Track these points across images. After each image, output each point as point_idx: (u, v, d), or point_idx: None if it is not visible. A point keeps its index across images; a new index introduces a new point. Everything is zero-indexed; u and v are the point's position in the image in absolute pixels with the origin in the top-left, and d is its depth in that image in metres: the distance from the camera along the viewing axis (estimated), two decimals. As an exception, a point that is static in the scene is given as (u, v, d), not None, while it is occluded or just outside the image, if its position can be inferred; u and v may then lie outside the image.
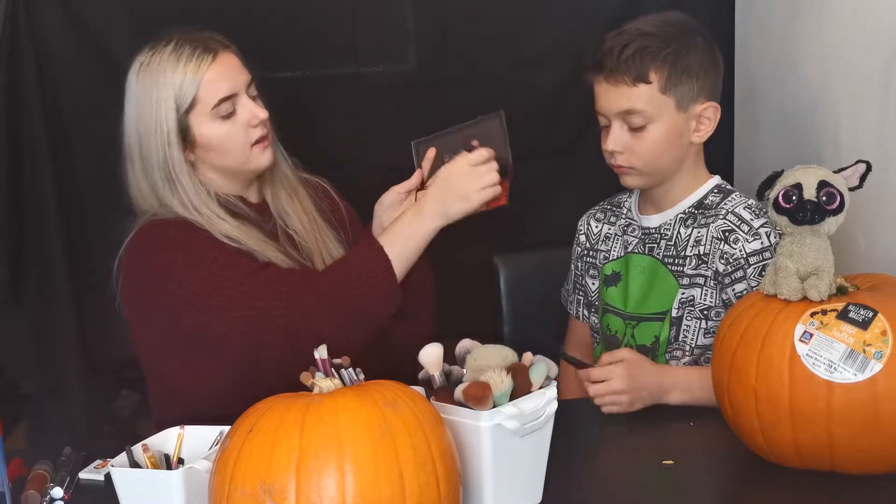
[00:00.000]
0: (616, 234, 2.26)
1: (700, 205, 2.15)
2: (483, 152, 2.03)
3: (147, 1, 2.62)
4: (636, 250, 2.20)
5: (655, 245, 2.17)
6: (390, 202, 2.14)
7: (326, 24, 2.68)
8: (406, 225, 2.02)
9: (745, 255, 2.05)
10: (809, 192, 1.76)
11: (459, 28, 2.72)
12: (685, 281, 2.12)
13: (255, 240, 2.06)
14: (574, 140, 2.78)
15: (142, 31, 2.59)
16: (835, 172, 1.78)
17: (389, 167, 2.75)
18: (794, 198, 1.76)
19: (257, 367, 1.95)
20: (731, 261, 2.07)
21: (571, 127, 2.77)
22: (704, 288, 2.10)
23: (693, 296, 2.11)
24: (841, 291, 1.77)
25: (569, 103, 2.75)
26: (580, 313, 2.36)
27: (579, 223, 2.36)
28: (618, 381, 1.98)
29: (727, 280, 2.07)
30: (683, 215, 2.15)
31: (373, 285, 1.98)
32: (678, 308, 2.12)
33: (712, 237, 2.10)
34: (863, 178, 1.79)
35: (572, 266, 2.37)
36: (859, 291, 1.78)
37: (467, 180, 2.00)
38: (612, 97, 2.09)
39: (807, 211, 1.75)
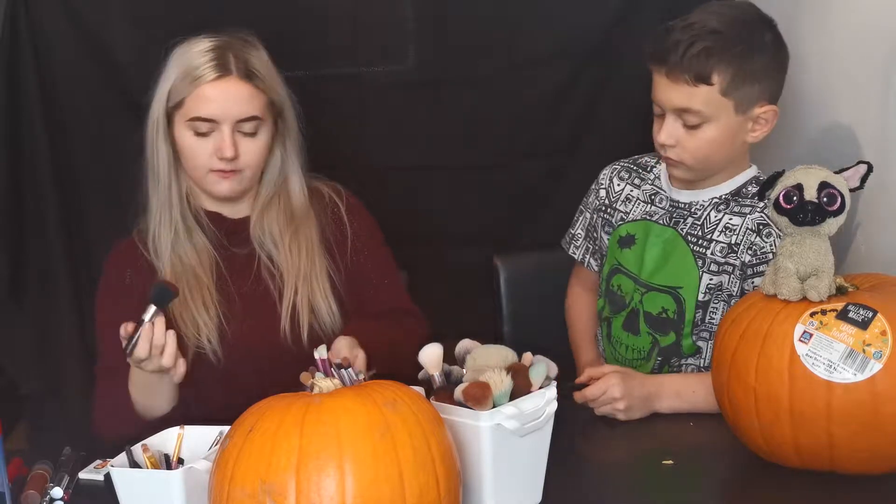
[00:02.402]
0: (638, 198, 2.25)
1: (737, 193, 2.14)
2: (140, 348, 1.89)
3: (147, 1, 2.62)
4: (661, 221, 2.20)
5: (682, 220, 2.17)
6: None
7: (326, 24, 2.68)
8: (137, 381, 2.02)
9: (773, 251, 2.05)
10: (810, 193, 1.76)
11: (459, 28, 2.72)
12: (714, 267, 2.12)
13: (190, 266, 2.10)
14: (574, 140, 2.78)
15: (142, 31, 2.60)
16: (836, 173, 1.78)
17: (389, 167, 2.76)
18: (794, 198, 1.76)
19: None
20: (758, 253, 2.08)
21: (571, 127, 2.77)
22: (732, 276, 2.11)
23: (721, 282, 2.11)
24: (841, 291, 1.77)
25: (569, 103, 2.75)
26: (587, 261, 2.36)
27: (601, 176, 2.33)
28: (615, 389, 1.99)
29: (749, 272, 2.08)
30: (718, 200, 2.15)
31: (119, 420, 2.03)
32: (705, 293, 2.12)
33: (746, 228, 2.10)
34: (863, 179, 1.79)
35: (588, 215, 2.35)
36: (859, 291, 1.78)
37: (151, 369, 1.94)
38: (671, 93, 2.06)
39: (807, 212, 1.75)
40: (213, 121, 2.03)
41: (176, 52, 2.08)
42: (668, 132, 2.08)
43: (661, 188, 2.23)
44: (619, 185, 2.29)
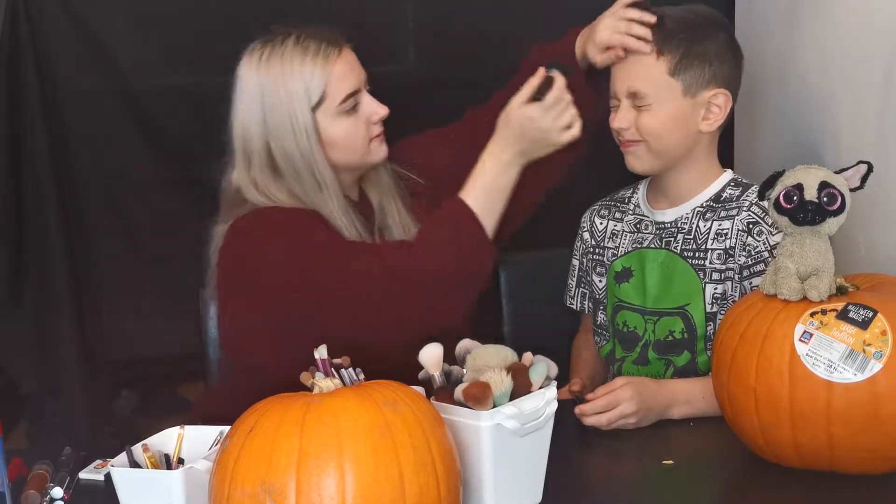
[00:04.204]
0: (624, 231, 2.25)
1: (718, 198, 2.15)
2: (557, 91, 1.94)
3: (148, 1, 2.62)
4: (652, 245, 2.20)
5: (672, 239, 2.17)
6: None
7: (327, 24, 2.68)
8: (490, 178, 1.96)
9: (768, 248, 2.05)
10: (810, 193, 1.76)
11: (460, 28, 2.72)
12: (716, 276, 2.12)
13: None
14: (574, 140, 2.77)
15: (142, 31, 2.60)
16: (836, 173, 1.78)
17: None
18: (794, 198, 1.76)
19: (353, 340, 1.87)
20: (753, 253, 2.07)
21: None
22: (733, 282, 2.11)
23: (725, 290, 2.11)
24: (841, 291, 1.77)
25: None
26: (585, 306, 2.35)
27: (583, 220, 2.34)
28: (627, 405, 1.96)
29: (745, 273, 2.08)
30: (701, 209, 2.15)
31: (466, 250, 1.93)
32: (711, 303, 2.12)
33: (738, 230, 2.10)
34: (864, 178, 1.78)
35: (576, 263, 2.36)
36: (859, 291, 1.78)
37: (546, 130, 1.94)
38: (621, 75, 2.10)
39: (808, 211, 1.75)
40: (358, 90, 2.02)
41: (265, 63, 1.99)
42: (621, 117, 2.11)
43: (643, 215, 2.23)
44: (601, 223, 2.30)
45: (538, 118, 1.94)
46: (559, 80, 1.96)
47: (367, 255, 1.97)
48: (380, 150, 2.08)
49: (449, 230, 1.96)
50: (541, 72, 1.96)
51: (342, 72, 2.00)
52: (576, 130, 1.96)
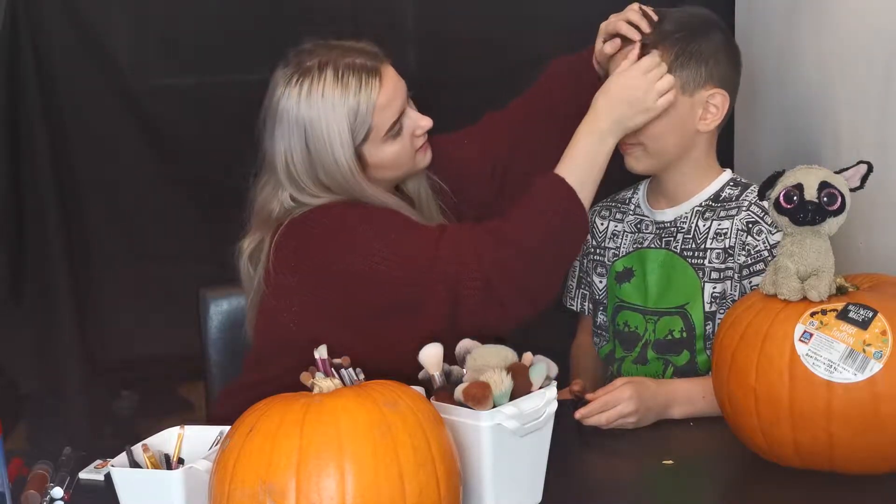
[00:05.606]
0: (625, 231, 2.25)
1: (717, 198, 2.15)
2: (655, 57, 2.00)
3: (147, 1, 2.62)
4: (652, 245, 2.20)
5: (672, 239, 2.17)
6: None
7: (326, 24, 2.68)
8: (585, 149, 1.96)
9: (767, 248, 2.05)
10: (810, 193, 1.76)
11: (459, 28, 2.72)
12: (715, 275, 2.12)
13: None
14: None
15: (142, 31, 2.61)
16: (836, 173, 1.79)
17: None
18: (794, 198, 1.76)
19: (453, 325, 1.88)
20: (752, 252, 2.08)
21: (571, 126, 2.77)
22: (733, 281, 2.11)
23: (725, 289, 2.11)
24: (841, 291, 1.77)
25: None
26: (585, 307, 2.36)
27: None
28: (627, 404, 1.96)
29: (745, 272, 2.08)
30: (700, 208, 2.15)
31: (563, 222, 1.93)
32: (710, 303, 2.12)
33: (737, 229, 2.10)
34: (864, 178, 1.78)
35: (577, 264, 2.35)
36: (859, 291, 1.78)
37: (643, 91, 1.97)
38: None
39: (808, 212, 1.75)
40: (403, 111, 1.99)
41: (306, 100, 1.93)
42: None
43: (643, 215, 2.23)
44: (601, 224, 2.29)
45: (636, 78, 1.98)
46: (654, 53, 2.02)
47: (456, 234, 1.95)
48: (424, 158, 2.06)
49: (542, 202, 1.94)
50: (638, 45, 2.03)
51: (386, 100, 1.96)
52: (671, 96, 2.00)
